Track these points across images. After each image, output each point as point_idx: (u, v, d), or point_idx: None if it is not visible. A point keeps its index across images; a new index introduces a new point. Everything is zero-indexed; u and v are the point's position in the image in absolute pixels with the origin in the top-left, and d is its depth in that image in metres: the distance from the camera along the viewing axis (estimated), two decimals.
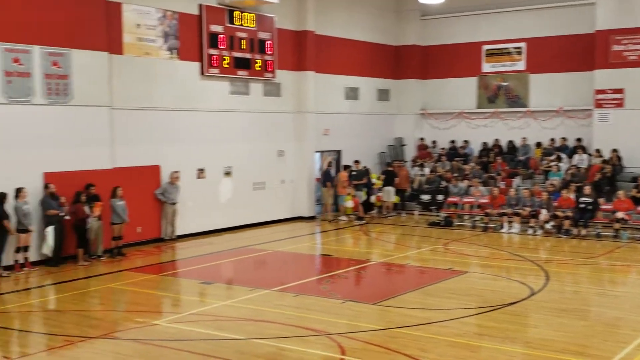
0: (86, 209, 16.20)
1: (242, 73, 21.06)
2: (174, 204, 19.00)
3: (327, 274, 15.31)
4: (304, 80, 23.23)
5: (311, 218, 23.50)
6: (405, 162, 26.19)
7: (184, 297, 13.62)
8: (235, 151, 21.25)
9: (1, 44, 15.14)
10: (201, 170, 20.24)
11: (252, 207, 21.85)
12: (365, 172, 23.55)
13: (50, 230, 15.66)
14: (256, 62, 21.44)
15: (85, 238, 16.30)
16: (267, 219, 22.39)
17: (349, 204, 23.15)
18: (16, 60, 15.41)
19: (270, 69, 21.94)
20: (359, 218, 23.07)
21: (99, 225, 16.60)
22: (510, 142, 25.55)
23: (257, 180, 22.11)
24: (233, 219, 21.21)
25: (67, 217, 15.99)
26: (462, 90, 26.73)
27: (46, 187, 15.83)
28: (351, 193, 23.17)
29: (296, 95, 23.24)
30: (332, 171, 23.81)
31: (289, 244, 19.01)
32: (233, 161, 21.20)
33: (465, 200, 22.34)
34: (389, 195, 24.01)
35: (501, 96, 26.11)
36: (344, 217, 23.18)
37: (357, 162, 23.74)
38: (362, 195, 23.30)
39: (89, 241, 16.46)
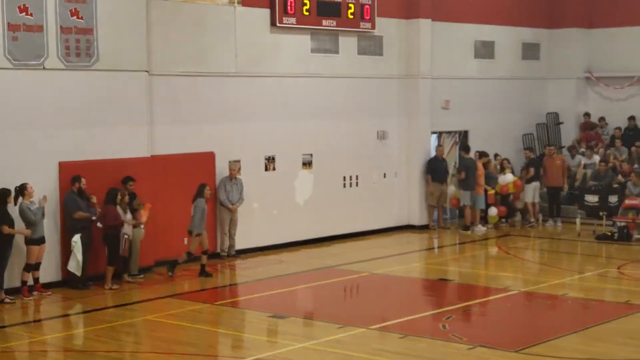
0: (121, 212, 16.71)
1: (328, 23, 21.32)
2: (232, 205, 19.30)
3: (447, 308, 15.41)
4: (416, 32, 23.26)
5: (424, 227, 23.61)
6: (562, 147, 25.87)
7: (248, 335, 13.98)
8: (318, 133, 21.55)
9: None
10: (270, 160, 20.64)
11: (341, 211, 22.07)
12: (473, 163, 22.92)
13: (77, 240, 16.23)
14: (348, 8, 21.65)
15: (117, 251, 16.70)
16: (362, 229, 22.64)
17: (493, 211, 23.12)
18: (24, 10, 16.07)
19: (367, 17, 22.09)
20: (465, 228, 22.96)
21: (141, 235, 17.19)
22: None
23: (349, 173, 22.39)
24: (314, 228, 21.53)
25: (99, 225, 16.55)
26: None
27: (75, 180, 16.34)
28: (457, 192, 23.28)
29: (404, 53, 23.34)
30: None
31: (392, 264, 19.17)
32: (315, 147, 21.50)
33: None
34: (532, 194, 23.96)
35: None
36: (483, 227, 23.18)
37: (464, 148, 23.47)
38: (468, 196, 22.82)
39: (127, 256, 16.95)
